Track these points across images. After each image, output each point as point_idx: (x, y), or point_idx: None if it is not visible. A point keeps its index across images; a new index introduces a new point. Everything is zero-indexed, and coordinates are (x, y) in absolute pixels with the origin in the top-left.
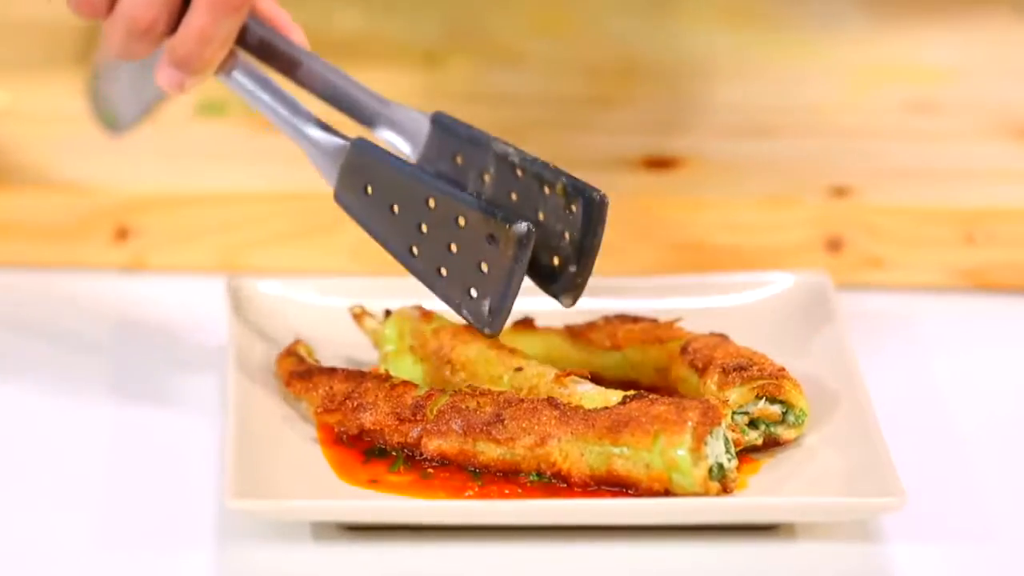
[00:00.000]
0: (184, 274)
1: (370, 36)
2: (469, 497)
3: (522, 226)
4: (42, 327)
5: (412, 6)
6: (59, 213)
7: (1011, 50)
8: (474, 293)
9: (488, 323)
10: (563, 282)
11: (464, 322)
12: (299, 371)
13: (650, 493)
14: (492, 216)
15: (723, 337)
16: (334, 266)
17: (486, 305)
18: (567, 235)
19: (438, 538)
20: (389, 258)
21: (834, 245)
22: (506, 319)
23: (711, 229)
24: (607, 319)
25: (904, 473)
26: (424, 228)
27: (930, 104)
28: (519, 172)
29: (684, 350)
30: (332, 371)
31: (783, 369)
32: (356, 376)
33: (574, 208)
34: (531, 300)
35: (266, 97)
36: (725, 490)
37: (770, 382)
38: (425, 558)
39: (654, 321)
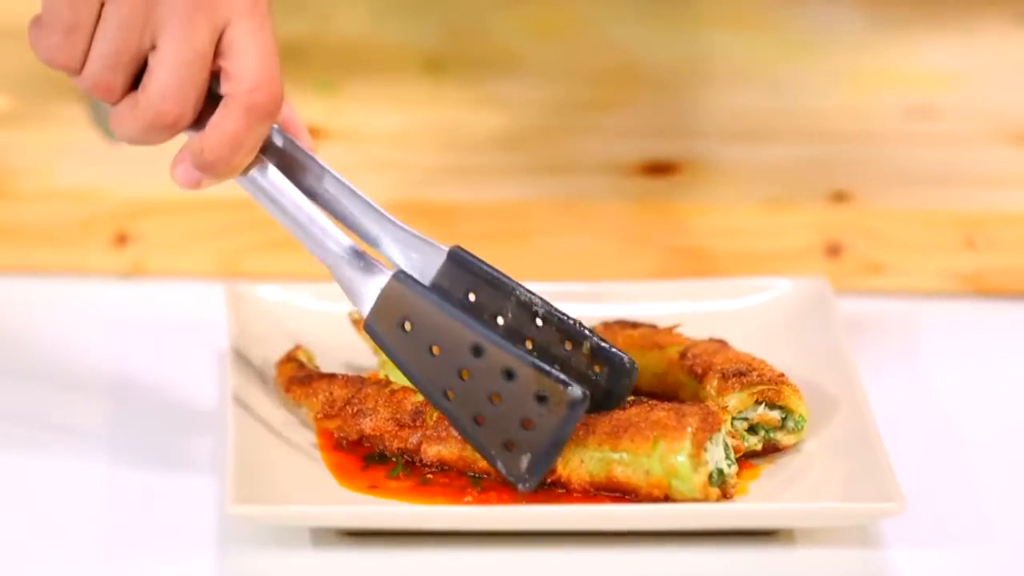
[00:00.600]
0: (183, 279)
1: (370, 41)
2: (468, 503)
3: (577, 391)
4: (41, 333)
5: (412, 11)
6: (59, 218)
7: (1012, 56)
8: (512, 447)
9: (524, 480)
10: None
11: None
12: (299, 377)
13: (650, 499)
14: (546, 375)
15: (722, 343)
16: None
17: (524, 461)
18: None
19: (437, 544)
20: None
21: (834, 250)
22: (542, 478)
23: (710, 234)
24: (606, 324)
25: (904, 478)
26: (465, 375)
27: (931, 109)
28: (539, 322)
29: (683, 355)
30: (332, 377)
31: (782, 375)
32: (356, 382)
33: (598, 369)
34: None
35: (288, 205)
36: (725, 496)
37: (769, 387)
38: (424, 564)
39: (653, 327)
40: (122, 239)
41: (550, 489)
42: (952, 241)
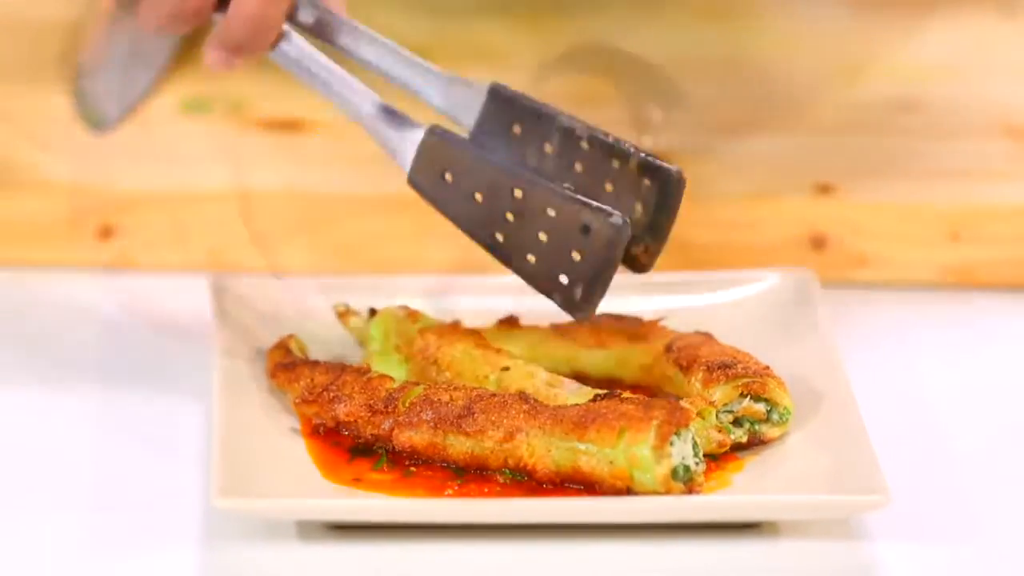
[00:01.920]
0: (170, 273)
1: None
2: (449, 496)
3: (617, 218)
4: (27, 326)
5: (398, 4)
6: (44, 213)
7: (997, 49)
8: (565, 280)
9: (580, 308)
10: (630, 255)
11: (450, 321)
12: (284, 363)
13: (613, 491)
14: (586, 207)
15: (707, 336)
16: (320, 265)
17: (579, 291)
18: (639, 208)
19: (421, 535)
20: (374, 258)
21: (819, 243)
22: (598, 306)
23: (696, 226)
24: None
25: (888, 471)
26: (510, 216)
27: (916, 102)
28: (585, 144)
29: (669, 348)
30: (315, 364)
31: (768, 367)
32: (336, 369)
33: (647, 183)
34: (517, 299)
35: (320, 73)
36: (690, 492)
37: (754, 380)
38: (408, 555)
39: (639, 319)
40: (107, 232)
41: (529, 482)
42: (937, 234)
